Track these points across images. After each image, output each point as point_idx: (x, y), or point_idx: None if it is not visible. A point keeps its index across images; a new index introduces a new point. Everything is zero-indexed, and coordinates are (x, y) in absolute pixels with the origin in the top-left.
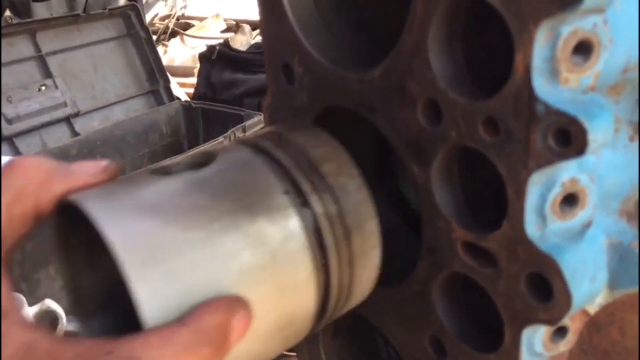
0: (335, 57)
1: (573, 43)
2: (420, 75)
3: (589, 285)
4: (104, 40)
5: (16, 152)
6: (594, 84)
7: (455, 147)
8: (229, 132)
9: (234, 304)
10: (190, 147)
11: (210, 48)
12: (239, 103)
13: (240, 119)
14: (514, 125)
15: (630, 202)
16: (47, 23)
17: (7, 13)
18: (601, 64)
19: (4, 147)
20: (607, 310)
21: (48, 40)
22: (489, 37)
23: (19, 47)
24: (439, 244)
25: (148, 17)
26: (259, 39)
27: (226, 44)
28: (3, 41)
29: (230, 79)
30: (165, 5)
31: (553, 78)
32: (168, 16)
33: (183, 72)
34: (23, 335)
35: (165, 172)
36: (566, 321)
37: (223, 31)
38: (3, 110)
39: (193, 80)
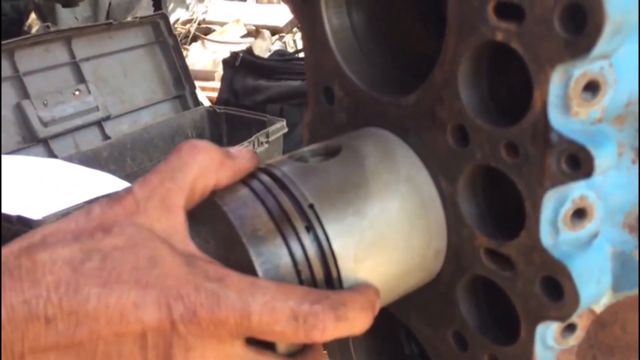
0: (373, 83)
1: (583, 83)
2: (450, 104)
3: (594, 287)
4: (134, 47)
5: (51, 154)
6: (601, 117)
7: (479, 166)
8: (253, 137)
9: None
10: None
11: (234, 54)
12: (261, 109)
13: (263, 125)
14: (531, 150)
15: (632, 216)
16: (82, 31)
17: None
18: (607, 100)
19: (40, 148)
20: (611, 310)
21: (82, 47)
22: (510, 74)
23: (55, 53)
24: (463, 249)
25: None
26: (278, 44)
27: (249, 50)
28: (40, 48)
29: (253, 85)
30: (187, 10)
31: (566, 112)
32: (189, 21)
33: (204, 76)
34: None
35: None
36: (575, 319)
37: (243, 36)
38: (40, 113)
39: (214, 84)
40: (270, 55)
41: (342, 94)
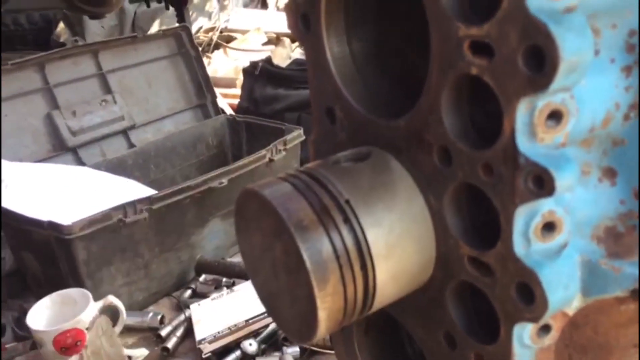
0: (369, 106)
1: (547, 112)
2: (435, 128)
3: (563, 292)
4: (158, 59)
5: (79, 161)
6: (564, 142)
7: (462, 184)
8: (271, 145)
9: None
10: (235, 158)
11: (253, 64)
12: (280, 117)
13: (281, 133)
14: (504, 170)
15: (600, 229)
16: (108, 44)
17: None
18: (570, 127)
19: (69, 156)
20: (583, 313)
21: (108, 60)
22: (488, 102)
23: (82, 66)
24: (450, 258)
25: (192, 30)
26: (298, 51)
27: (268, 60)
28: (69, 60)
29: (272, 94)
30: (209, 19)
31: (532, 137)
32: (212, 29)
33: (226, 83)
34: None
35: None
36: (549, 320)
37: (264, 44)
38: (69, 123)
39: (235, 91)
40: (289, 64)
41: (342, 115)
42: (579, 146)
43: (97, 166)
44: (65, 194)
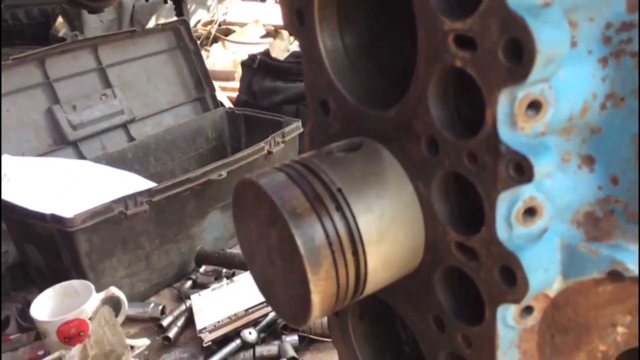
0: (361, 98)
1: (526, 102)
2: (423, 118)
3: (543, 275)
4: (157, 53)
5: (80, 155)
6: (544, 131)
7: (448, 172)
8: (269, 137)
9: None
10: (234, 150)
11: (252, 57)
12: (278, 110)
13: (279, 125)
14: (487, 159)
15: (580, 214)
16: (107, 38)
17: (61, 25)
18: (549, 117)
19: (70, 150)
20: (563, 295)
21: (107, 54)
22: (472, 93)
23: (82, 60)
24: (438, 243)
25: (191, 23)
26: (296, 44)
27: (267, 53)
28: (69, 55)
29: (270, 86)
30: (208, 12)
31: (513, 127)
32: (210, 22)
33: (224, 76)
34: None
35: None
36: (531, 302)
37: (262, 36)
38: (70, 117)
39: (234, 84)
40: (287, 57)
41: (335, 107)
42: (559, 135)
43: (97, 160)
44: (67, 188)
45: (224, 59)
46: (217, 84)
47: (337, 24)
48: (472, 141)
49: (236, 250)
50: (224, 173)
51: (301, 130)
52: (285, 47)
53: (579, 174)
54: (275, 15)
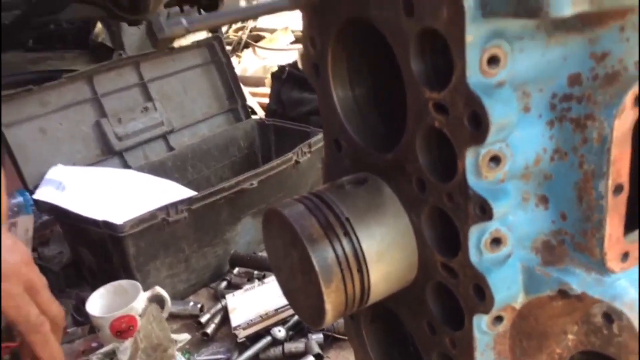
0: (367, 140)
1: (488, 157)
2: (413, 163)
3: (506, 292)
4: (192, 67)
5: (125, 164)
6: (503, 178)
7: (433, 206)
8: (297, 148)
9: None
10: (264, 158)
11: (281, 68)
12: (305, 120)
13: (306, 136)
14: (460, 199)
15: (538, 242)
16: (148, 56)
17: (101, 31)
18: (507, 167)
19: (116, 160)
20: (527, 307)
21: (148, 70)
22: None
23: (126, 77)
24: (428, 263)
25: (223, 29)
26: None
27: (295, 65)
28: (114, 72)
29: (298, 97)
30: None
31: (478, 175)
32: (241, 28)
33: (255, 82)
34: None
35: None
36: (501, 312)
37: (292, 43)
38: (115, 129)
39: (264, 90)
40: None
41: (346, 146)
42: (519, 179)
43: (140, 169)
44: (115, 195)
45: (254, 65)
46: (247, 90)
47: (347, 77)
48: (449, 185)
49: (266, 254)
50: (255, 182)
51: None
52: None
53: (536, 211)
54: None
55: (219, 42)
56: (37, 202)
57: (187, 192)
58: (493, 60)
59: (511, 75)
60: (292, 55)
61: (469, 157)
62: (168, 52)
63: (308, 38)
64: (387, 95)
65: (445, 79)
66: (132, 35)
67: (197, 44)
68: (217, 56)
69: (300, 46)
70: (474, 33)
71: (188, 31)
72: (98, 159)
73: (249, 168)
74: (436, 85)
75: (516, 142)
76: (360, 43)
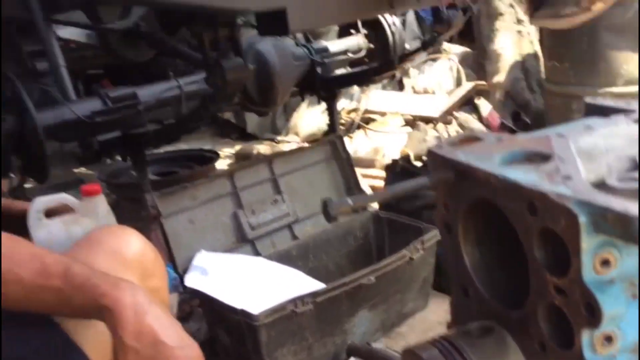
0: (492, 293)
1: (602, 338)
2: (535, 328)
3: None
4: (317, 162)
5: (256, 252)
6: (615, 353)
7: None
8: (410, 245)
9: None
10: (378, 249)
11: (394, 162)
12: (418, 214)
13: (419, 231)
14: None
15: None
16: (281, 154)
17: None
18: (619, 344)
19: (248, 247)
20: None
21: (279, 166)
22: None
23: (260, 172)
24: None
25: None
26: (432, 134)
27: (406, 158)
28: (251, 169)
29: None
30: (351, 100)
31: (593, 351)
32: (354, 110)
33: (366, 163)
34: None
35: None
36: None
37: (402, 126)
38: (249, 219)
39: (375, 172)
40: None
41: (473, 294)
42: (630, 353)
43: (269, 257)
44: (250, 284)
45: (365, 146)
46: (359, 171)
47: (475, 239)
48: (568, 353)
49: (378, 344)
50: (372, 278)
51: (438, 237)
52: (422, 137)
53: None
54: (413, 104)
55: (340, 140)
56: (185, 287)
57: (312, 283)
58: (605, 263)
59: (621, 272)
60: (402, 137)
61: (585, 336)
62: (297, 149)
63: (442, 203)
64: (512, 257)
65: (565, 265)
66: (252, 115)
67: (321, 142)
68: (338, 152)
69: (409, 129)
70: (588, 242)
71: (354, 209)
72: (234, 246)
73: (364, 257)
74: (556, 271)
75: (626, 323)
76: (489, 213)
